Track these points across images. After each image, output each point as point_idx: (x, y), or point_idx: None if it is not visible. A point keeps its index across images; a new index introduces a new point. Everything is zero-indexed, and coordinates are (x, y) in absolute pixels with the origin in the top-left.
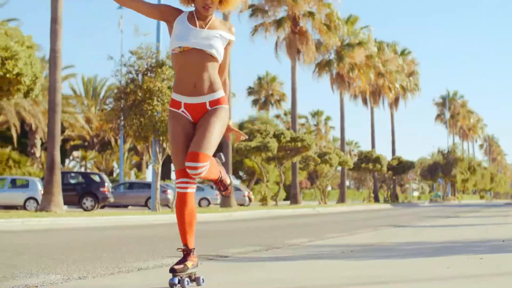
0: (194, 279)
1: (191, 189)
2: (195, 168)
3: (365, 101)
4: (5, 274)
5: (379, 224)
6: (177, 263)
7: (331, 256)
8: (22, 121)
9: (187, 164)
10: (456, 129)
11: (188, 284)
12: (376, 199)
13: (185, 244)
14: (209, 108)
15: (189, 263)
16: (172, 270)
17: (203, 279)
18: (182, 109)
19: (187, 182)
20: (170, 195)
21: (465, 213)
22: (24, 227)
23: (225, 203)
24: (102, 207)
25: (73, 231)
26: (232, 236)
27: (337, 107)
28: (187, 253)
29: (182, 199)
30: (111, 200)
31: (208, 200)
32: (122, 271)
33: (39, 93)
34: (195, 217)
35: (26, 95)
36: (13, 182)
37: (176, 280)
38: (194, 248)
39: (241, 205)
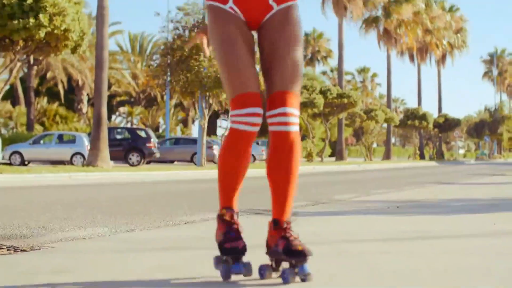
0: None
1: (256, 127)
2: (290, 115)
3: (412, 58)
4: (55, 227)
5: (425, 181)
6: (231, 240)
7: (377, 211)
8: (69, 77)
9: (278, 111)
10: (503, 87)
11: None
12: (422, 157)
13: (229, 207)
14: (274, 5)
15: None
16: (232, 251)
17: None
18: (231, 4)
19: (254, 115)
20: (216, 150)
21: (511, 171)
22: (71, 182)
23: None
24: (148, 162)
25: (120, 185)
26: None
27: (383, 64)
28: (231, 219)
29: (242, 138)
30: (157, 155)
31: (253, 156)
32: (169, 225)
33: (86, 49)
34: (247, 168)
35: (73, 51)
36: (60, 138)
37: (240, 268)
38: (238, 211)
39: None
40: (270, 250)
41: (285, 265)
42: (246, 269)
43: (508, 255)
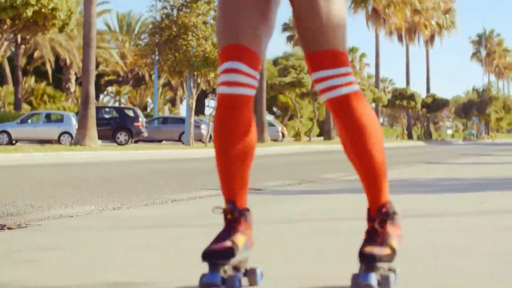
0: (247, 272)
1: (250, 90)
2: (333, 77)
3: (400, 38)
4: (42, 205)
5: (412, 160)
6: (216, 241)
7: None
8: (57, 57)
9: (315, 76)
10: (491, 68)
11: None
12: (410, 137)
13: (231, 201)
14: None
15: (239, 239)
16: (207, 256)
17: (261, 273)
18: None
19: (230, 71)
20: (204, 130)
21: (499, 151)
22: (59, 161)
23: (259, 138)
24: (136, 141)
25: (107, 164)
26: (266, 171)
27: (372, 44)
28: (233, 218)
29: (223, 105)
30: (145, 134)
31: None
32: (156, 203)
33: (74, 28)
34: (253, 149)
35: (61, 30)
36: (48, 117)
37: (215, 278)
38: (247, 209)
39: (274, 140)
40: None
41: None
42: (229, 283)
43: (494, 233)
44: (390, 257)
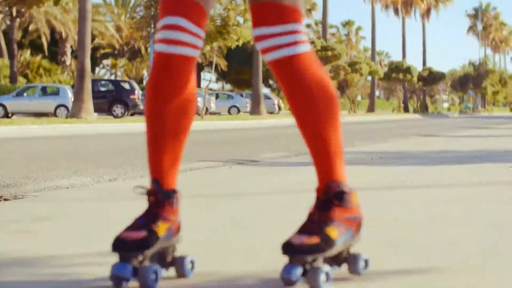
0: (174, 261)
1: (192, 50)
2: (278, 35)
3: (396, 12)
4: (38, 176)
5: (408, 133)
6: (130, 228)
7: (360, 162)
8: (52, 30)
9: (256, 32)
10: (488, 41)
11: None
12: (406, 110)
13: (156, 179)
14: None
15: (160, 226)
16: (116, 246)
17: (192, 262)
18: None
19: (169, 28)
20: (200, 102)
21: (495, 124)
22: (55, 133)
23: (255, 111)
24: (132, 114)
25: (104, 137)
26: (262, 142)
27: (368, 18)
28: (156, 201)
29: (159, 64)
30: (141, 107)
31: (237, 108)
32: None
33: (69, 0)
34: (189, 121)
35: (56, 3)
36: (44, 90)
37: (124, 270)
38: (174, 191)
39: (270, 113)
40: None
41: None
42: (142, 275)
43: (488, 204)
44: (319, 248)
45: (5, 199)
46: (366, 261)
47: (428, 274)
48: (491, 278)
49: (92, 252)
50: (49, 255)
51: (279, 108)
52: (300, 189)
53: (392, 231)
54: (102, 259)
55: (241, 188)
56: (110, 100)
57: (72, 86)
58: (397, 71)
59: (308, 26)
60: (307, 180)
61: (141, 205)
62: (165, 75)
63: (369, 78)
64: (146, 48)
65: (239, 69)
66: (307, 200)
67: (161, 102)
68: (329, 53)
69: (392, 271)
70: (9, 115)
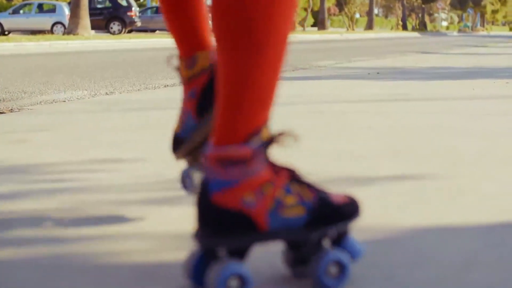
0: None
1: None
2: None
3: None
4: (34, 90)
5: (406, 50)
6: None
7: (357, 76)
8: None
9: None
10: None
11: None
12: (404, 27)
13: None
14: None
15: None
16: None
17: None
18: None
19: None
20: None
21: (493, 43)
22: (52, 50)
23: None
24: (129, 31)
25: (101, 53)
26: None
27: None
28: None
29: None
30: (138, 24)
31: None
32: (149, 88)
33: None
34: None
35: None
36: (40, 7)
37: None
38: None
39: None
40: None
41: None
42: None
43: (484, 116)
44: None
45: (0, 112)
46: None
47: (422, 179)
48: (485, 183)
49: (88, 158)
50: (44, 163)
51: None
52: (296, 101)
53: (389, 137)
54: (97, 166)
55: None
56: (107, 17)
57: (69, 3)
58: None
59: None
60: (304, 93)
61: (136, 116)
62: None
63: None
64: None
65: None
66: (306, 110)
67: None
68: None
69: (387, 176)
70: (6, 32)
